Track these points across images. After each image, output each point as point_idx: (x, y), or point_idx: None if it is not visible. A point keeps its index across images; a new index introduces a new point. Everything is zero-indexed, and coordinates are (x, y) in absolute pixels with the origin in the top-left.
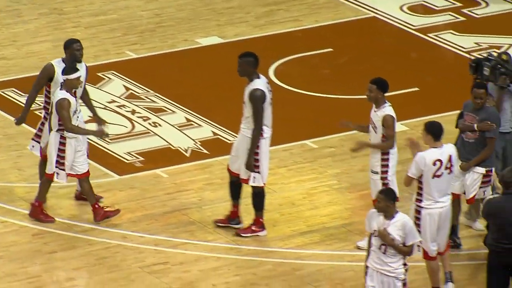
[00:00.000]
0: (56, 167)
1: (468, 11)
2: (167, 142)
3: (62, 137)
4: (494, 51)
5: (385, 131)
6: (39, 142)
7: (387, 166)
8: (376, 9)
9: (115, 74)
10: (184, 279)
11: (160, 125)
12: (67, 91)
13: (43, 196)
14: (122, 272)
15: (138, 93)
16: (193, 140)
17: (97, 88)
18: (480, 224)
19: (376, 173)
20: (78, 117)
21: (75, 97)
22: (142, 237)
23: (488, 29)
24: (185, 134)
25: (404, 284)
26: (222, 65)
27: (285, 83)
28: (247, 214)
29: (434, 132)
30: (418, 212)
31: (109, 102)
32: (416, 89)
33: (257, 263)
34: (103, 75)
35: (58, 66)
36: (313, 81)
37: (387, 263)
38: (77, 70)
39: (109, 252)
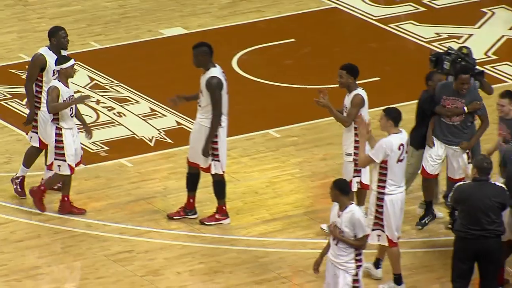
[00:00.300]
0: (55, 159)
1: (428, 1)
2: (131, 131)
3: (58, 127)
4: (454, 41)
5: (349, 109)
6: (36, 133)
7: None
8: (338, 0)
9: (79, 65)
10: (149, 267)
11: (124, 115)
12: (60, 81)
13: (67, 190)
14: (87, 260)
15: (103, 83)
16: (157, 129)
17: None
18: (440, 212)
19: (350, 154)
20: (72, 107)
21: (68, 87)
22: (107, 226)
23: (447, 19)
24: (150, 124)
25: (356, 281)
26: (186, 56)
27: (248, 73)
28: (211, 203)
29: (395, 117)
30: (380, 199)
31: (74, 92)
32: (377, 78)
33: (221, 251)
34: None
35: (48, 55)
36: (276, 72)
37: (338, 256)
38: (70, 59)
39: (75, 240)
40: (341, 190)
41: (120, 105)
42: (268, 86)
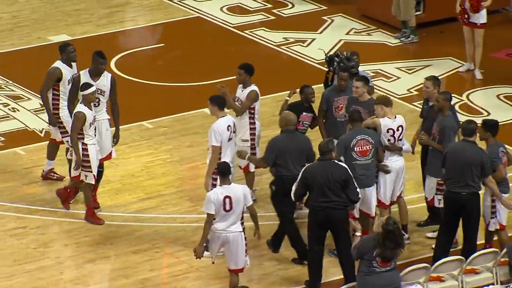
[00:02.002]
0: (82, 170)
1: (277, 11)
2: (24, 124)
3: (84, 143)
4: (300, 45)
5: (245, 101)
6: (57, 128)
7: (254, 135)
8: (201, 10)
9: None
10: (41, 240)
11: (18, 110)
12: (85, 105)
13: (89, 200)
14: None
15: None
16: (46, 122)
17: None
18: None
19: (247, 140)
20: (95, 128)
21: (91, 109)
22: (4, 205)
23: (294, 26)
24: (40, 118)
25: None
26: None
27: (126, 74)
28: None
29: (220, 103)
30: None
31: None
32: (235, 77)
33: (103, 226)
34: None
35: (62, 67)
36: (149, 72)
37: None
38: (91, 86)
39: None
40: (221, 173)
41: (14, 102)
42: (142, 84)
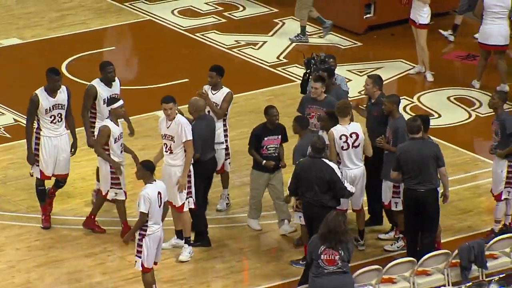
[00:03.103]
0: (111, 187)
1: (229, 14)
2: None
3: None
4: (251, 48)
5: (222, 103)
6: None
7: (227, 136)
8: (152, 13)
9: None
10: None
11: None
12: (111, 120)
13: (124, 215)
14: None
15: None
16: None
17: None
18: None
19: (222, 143)
20: (121, 144)
21: (118, 125)
22: None
23: (245, 28)
24: None
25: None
26: (22, 62)
27: (76, 77)
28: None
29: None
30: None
31: None
32: (186, 80)
33: (54, 230)
34: None
35: (99, 86)
36: (100, 74)
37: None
38: (118, 100)
39: None
40: (147, 169)
41: None
42: None
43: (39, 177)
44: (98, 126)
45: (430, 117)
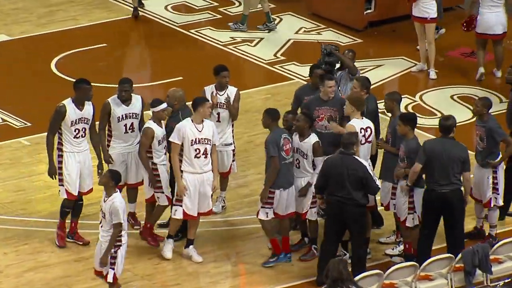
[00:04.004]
0: (155, 192)
1: (224, 9)
2: None
3: (153, 163)
4: (247, 45)
5: (234, 103)
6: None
7: (233, 137)
8: (145, 9)
9: None
10: None
11: None
12: (154, 122)
13: (154, 219)
14: None
15: None
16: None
17: None
18: None
19: (230, 144)
20: (165, 146)
21: (161, 127)
22: None
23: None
24: None
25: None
26: (10, 59)
27: (66, 75)
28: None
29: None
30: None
31: None
32: (180, 78)
33: (43, 233)
34: None
35: (113, 103)
36: (91, 73)
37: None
38: (162, 102)
39: None
40: (113, 179)
41: None
42: None
43: (65, 197)
44: (113, 145)
45: (433, 117)
